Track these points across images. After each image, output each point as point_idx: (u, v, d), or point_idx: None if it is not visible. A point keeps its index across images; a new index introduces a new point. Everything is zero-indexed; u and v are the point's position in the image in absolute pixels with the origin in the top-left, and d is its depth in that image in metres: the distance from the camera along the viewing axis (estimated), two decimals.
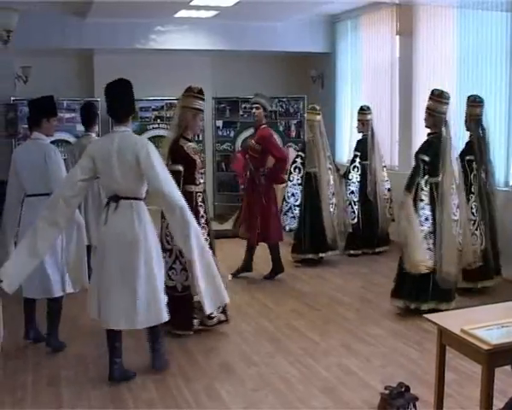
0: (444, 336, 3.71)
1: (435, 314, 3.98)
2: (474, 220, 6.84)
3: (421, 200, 6.22)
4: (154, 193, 4.82)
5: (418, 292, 6.24)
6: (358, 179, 8.90)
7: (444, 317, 3.91)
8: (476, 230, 6.84)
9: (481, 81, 8.06)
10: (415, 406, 4.18)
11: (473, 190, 6.87)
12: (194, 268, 4.80)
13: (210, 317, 5.88)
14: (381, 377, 4.90)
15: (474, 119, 6.90)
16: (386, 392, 4.27)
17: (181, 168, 5.75)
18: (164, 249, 5.54)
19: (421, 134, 8.96)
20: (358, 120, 9.10)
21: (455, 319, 3.76)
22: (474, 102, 6.93)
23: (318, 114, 8.65)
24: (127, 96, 5.07)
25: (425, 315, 3.88)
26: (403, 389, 4.25)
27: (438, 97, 6.30)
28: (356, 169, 8.96)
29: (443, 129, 6.27)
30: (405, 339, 5.78)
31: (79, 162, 4.93)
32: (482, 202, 6.89)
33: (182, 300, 5.77)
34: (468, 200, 6.79)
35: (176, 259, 5.80)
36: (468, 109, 6.96)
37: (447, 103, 6.33)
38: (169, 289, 5.44)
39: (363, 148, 8.98)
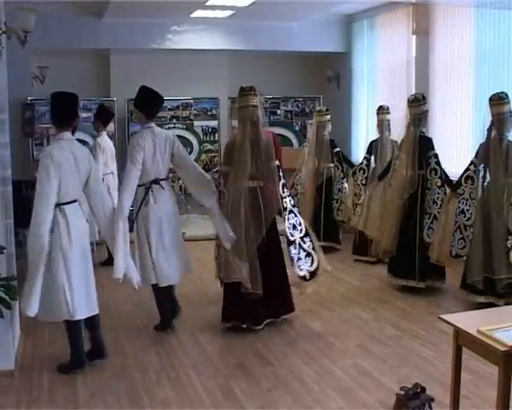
0: (460, 336, 3.69)
1: (452, 315, 3.95)
2: (456, 221, 6.67)
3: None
4: (190, 169, 6.18)
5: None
6: (364, 182, 8.87)
7: (460, 318, 3.89)
8: (456, 231, 6.65)
9: (499, 81, 7.99)
10: (430, 407, 4.16)
11: (460, 191, 6.68)
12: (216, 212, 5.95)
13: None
14: (396, 378, 4.89)
15: (494, 118, 6.47)
16: (402, 393, 4.25)
17: (278, 163, 6.09)
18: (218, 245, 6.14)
19: (437, 134, 8.96)
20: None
21: (471, 320, 3.75)
22: (491, 101, 6.51)
23: (328, 114, 9.44)
24: (157, 98, 6.07)
25: (441, 316, 3.85)
26: (418, 390, 4.24)
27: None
28: (362, 171, 8.93)
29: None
30: (421, 340, 5.76)
31: (138, 154, 5.75)
32: (483, 208, 6.49)
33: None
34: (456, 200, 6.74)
35: None
36: (491, 109, 6.73)
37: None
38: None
39: (373, 149, 8.90)
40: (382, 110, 8.78)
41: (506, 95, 6.38)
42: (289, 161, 10.52)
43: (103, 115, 8.57)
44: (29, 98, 10.37)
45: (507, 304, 6.00)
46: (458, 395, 3.83)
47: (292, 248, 6.00)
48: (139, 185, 5.82)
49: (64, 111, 5.17)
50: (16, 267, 5.87)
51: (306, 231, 6.15)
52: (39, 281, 4.82)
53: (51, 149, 5.03)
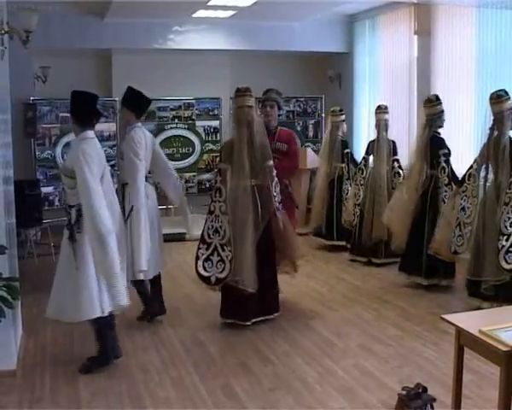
0: (462, 336, 3.69)
1: (454, 315, 3.95)
2: (457, 218, 6.67)
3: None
4: (165, 166, 6.52)
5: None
6: (362, 182, 8.88)
7: (462, 318, 3.89)
8: (456, 228, 6.64)
9: (500, 80, 7.99)
10: (432, 407, 4.15)
11: (463, 188, 6.66)
12: (187, 213, 6.74)
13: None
14: (398, 378, 4.89)
15: (495, 117, 6.38)
16: (404, 393, 4.24)
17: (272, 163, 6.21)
18: (203, 241, 6.22)
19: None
20: None
21: (473, 320, 3.75)
22: (491, 100, 6.44)
23: (342, 114, 9.60)
24: (145, 98, 6.33)
25: (443, 316, 3.85)
26: (420, 390, 4.23)
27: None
28: (360, 171, 8.96)
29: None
30: (423, 340, 5.76)
31: (140, 149, 5.98)
32: (483, 206, 6.39)
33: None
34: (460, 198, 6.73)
35: (214, 250, 6.14)
36: (491, 108, 6.71)
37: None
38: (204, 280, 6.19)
39: (370, 149, 8.91)
40: (380, 110, 8.75)
41: (505, 92, 6.33)
42: None
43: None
44: (31, 98, 10.37)
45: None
46: (460, 395, 3.83)
47: (204, 246, 6.25)
48: None
49: (88, 110, 5.17)
50: (19, 267, 5.88)
51: None
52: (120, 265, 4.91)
53: (84, 147, 4.97)
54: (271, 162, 6.13)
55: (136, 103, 6.16)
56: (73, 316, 5.04)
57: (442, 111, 7.31)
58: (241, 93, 6.14)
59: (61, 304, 5.04)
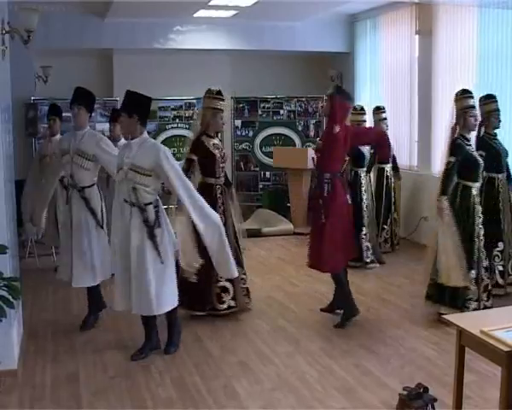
0: (463, 337, 3.68)
1: (454, 315, 3.96)
2: None
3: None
4: None
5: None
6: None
7: (463, 318, 3.90)
8: None
9: (501, 80, 7.99)
10: (433, 407, 4.15)
11: None
12: None
13: (221, 301, 6.35)
14: (399, 378, 4.88)
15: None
16: (405, 393, 4.24)
17: (194, 158, 6.32)
18: None
19: (440, 134, 8.95)
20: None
21: (474, 321, 3.75)
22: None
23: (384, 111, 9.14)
24: None
25: (444, 316, 3.85)
26: (421, 390, 4.23)
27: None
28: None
29: None
30: (424, 340, 5.75)
31: None
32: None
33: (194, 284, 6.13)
34: None
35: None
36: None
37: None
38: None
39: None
40: (355, 110, 8.64)
41: (468, 91, 6.15)
42: (292, 161, 10.57)
43: (60, 114, 8.34)
44: (32, 98, 10.39)
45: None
46: (461, 396, 3.83)
47: None
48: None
49: (149, 111, 5.41)
50: (20, 267, 5.88)
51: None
52: None
53: (160, 144, 5.37)
54: (191, 157, 6.33)
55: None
56: (165, 307, 5.32)
57: (497, 109, 6.85)
58: (207, 94, 6.52)
59: (148, 298, 5.18)
